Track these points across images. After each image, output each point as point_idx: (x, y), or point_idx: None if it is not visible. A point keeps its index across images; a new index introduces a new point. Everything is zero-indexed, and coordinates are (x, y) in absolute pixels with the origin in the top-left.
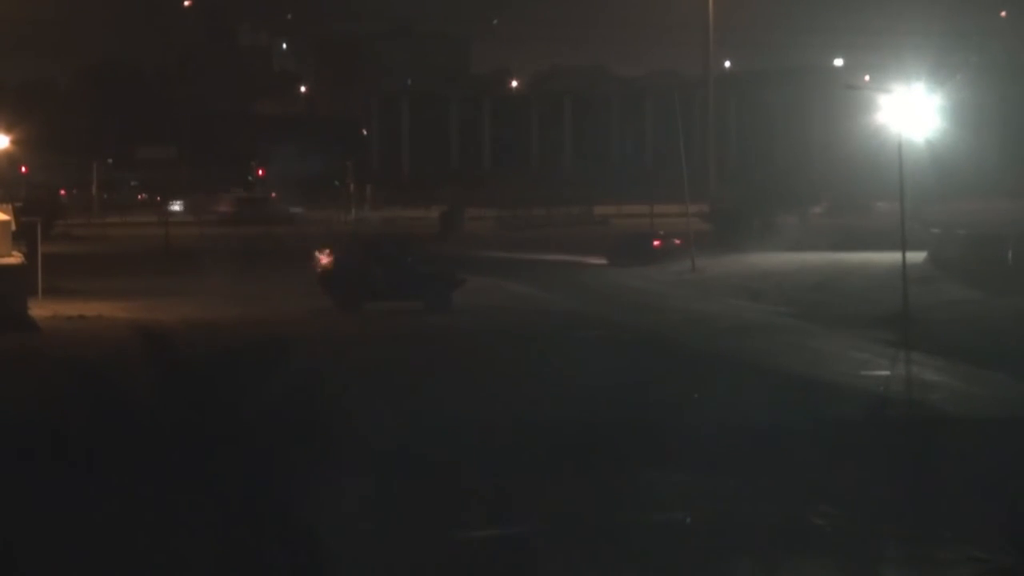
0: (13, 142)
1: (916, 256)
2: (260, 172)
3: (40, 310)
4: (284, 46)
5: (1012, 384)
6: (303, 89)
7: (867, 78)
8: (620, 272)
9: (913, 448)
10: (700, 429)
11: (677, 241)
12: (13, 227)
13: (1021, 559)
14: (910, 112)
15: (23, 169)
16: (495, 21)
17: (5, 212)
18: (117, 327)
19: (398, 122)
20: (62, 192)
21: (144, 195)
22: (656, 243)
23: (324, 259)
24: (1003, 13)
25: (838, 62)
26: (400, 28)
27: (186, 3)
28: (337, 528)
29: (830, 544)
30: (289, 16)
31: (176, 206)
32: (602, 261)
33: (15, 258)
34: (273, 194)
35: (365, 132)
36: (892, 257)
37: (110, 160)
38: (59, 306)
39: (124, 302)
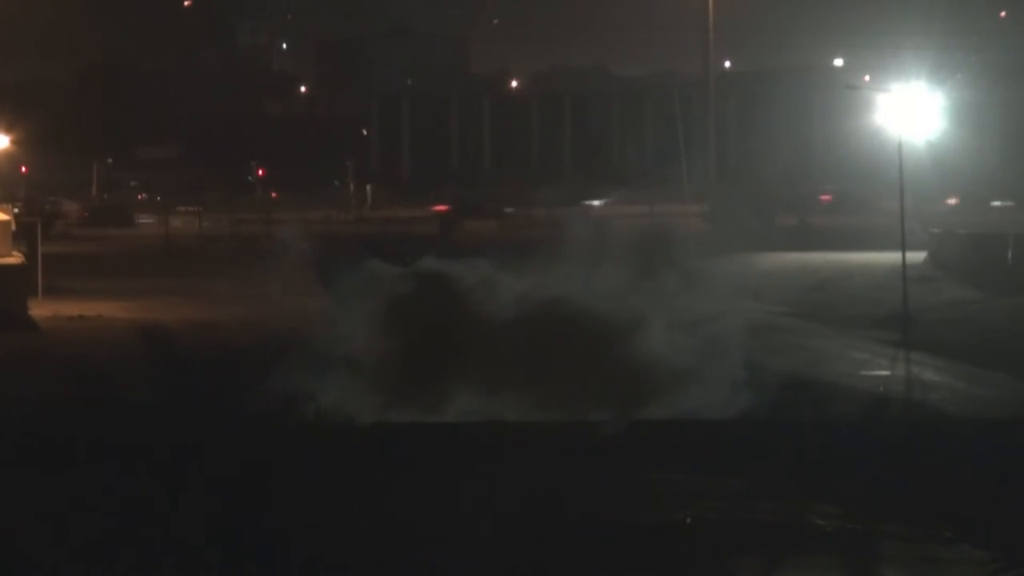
0: (13, 142)
1: (916, 256)
2: (260, 172)
3: (40, 310)
4: (284, 46)
5: (1012, 384)
6: (303, 89)
7: (867, 78)
8: None
9: (913, 448)
10: (700, 428)
11: None
12: (13, 227)
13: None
14: (910, 112)
15: (23, 169)
16: (495, 21)
17: (5, 212)
18: (117, 327)
19: (398, 122)
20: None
21: (144, 195)
22: None
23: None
24: (1003, 13)
25: (838, 62)
26: (400, 28)
27: (186, 3)
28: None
29: (830, 544)
30: (289, 16)
31: None
32: None
33: (15, 258)
34: (273, 194)
35: (365, 132)
36: (892, 257)
37: (110, 160)
38: (59, 306)
39: (124, 302)
